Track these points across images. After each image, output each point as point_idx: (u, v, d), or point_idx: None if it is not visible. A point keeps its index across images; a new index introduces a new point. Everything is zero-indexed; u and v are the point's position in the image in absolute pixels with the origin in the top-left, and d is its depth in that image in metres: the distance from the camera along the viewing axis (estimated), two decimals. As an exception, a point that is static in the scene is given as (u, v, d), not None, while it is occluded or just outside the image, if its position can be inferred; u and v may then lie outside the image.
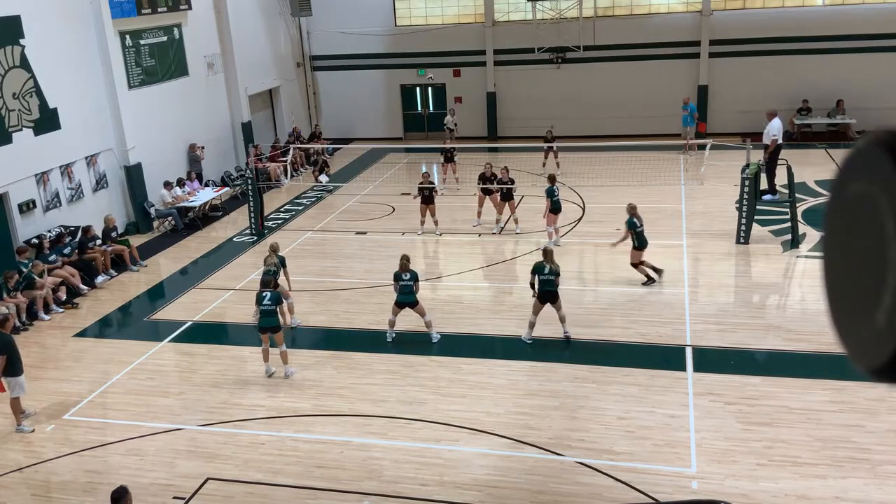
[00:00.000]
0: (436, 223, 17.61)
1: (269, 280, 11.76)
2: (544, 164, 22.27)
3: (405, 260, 12.25)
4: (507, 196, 17.51)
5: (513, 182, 17.61)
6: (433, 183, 17.83)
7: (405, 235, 17.82)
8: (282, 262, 13.33)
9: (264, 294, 11.45)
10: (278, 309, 11.48)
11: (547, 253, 12.10)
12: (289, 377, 11.60)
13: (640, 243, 13.98)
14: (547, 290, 11.88)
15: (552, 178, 16.66)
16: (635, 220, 13.90)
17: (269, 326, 11.41)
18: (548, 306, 12.04)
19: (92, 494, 9.02)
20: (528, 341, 12.21)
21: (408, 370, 11.60)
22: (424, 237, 17.66)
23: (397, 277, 12.19)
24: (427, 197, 17.43)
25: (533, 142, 23.54)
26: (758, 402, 10.19)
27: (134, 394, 11.39)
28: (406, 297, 12.20)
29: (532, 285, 12.03)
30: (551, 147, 22.17)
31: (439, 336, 12.47)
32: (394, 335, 12.54)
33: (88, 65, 17.82)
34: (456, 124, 25.96)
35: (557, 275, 11.86)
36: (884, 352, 0.93)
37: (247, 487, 9.01)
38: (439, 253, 17.17)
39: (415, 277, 12.15)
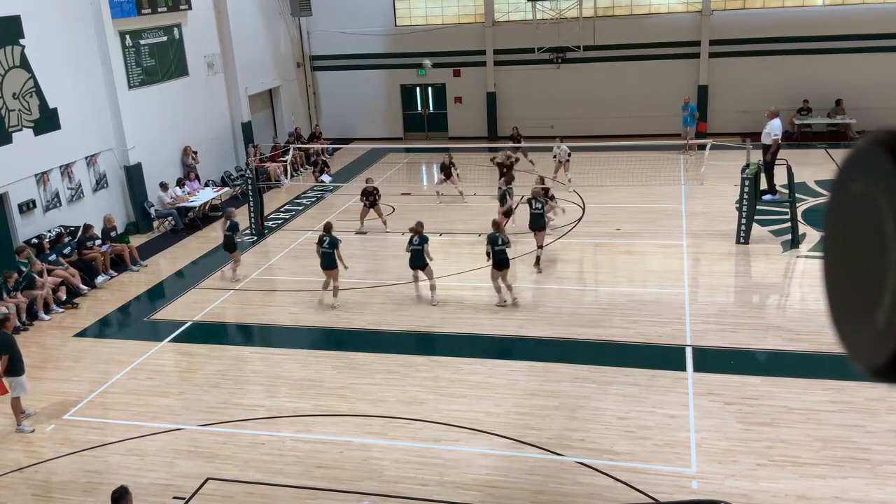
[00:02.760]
0: (384, 222, 18.14)
1: (329, 225, 13.97)
2: (531, 161, 22.34)
3: None
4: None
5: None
6: (376, 188, 18.20)
7: (405, 235, 17.79)
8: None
9: (325, 238, 13.67)
10: (335, 252, 13.56)
11: (496, 224, 13.52)
12: (333, 307, 13.79)
13: None
14: (501, 258, 13.20)
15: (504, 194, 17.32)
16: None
17: (329, 267, 13.66)
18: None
19: (92, 494, 9.02)
20: (503, 305, 13.47)
21: (408, 370, 11.60)
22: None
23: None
24: (371, 201, 18.05)
25: (533, 142, 23.51)
26: (758, 402, 10.19)
27: (134, 394, 11.39)
28: None
29: (487, 254, 13.33)
30: (519, 147, 22.24)
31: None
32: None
33: (88, 65, 17.81)
34: (570, 155, 20.78)
35: (508, 245, 13.27)
36: (884, 352, 0.93)
37: (247, 487, 9.01)
38: (440, 253, 17.14)
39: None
